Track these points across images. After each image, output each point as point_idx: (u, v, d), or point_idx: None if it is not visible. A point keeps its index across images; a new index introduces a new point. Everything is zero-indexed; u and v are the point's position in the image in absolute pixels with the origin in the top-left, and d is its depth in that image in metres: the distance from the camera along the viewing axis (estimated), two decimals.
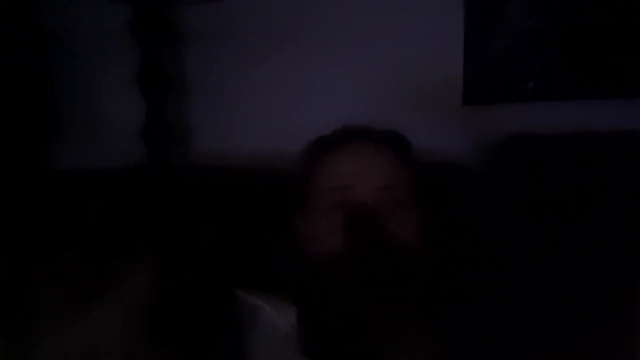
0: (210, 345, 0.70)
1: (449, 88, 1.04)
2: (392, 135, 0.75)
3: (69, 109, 1.07)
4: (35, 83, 1.04)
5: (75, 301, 0.51)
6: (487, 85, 1.04)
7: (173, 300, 0.76)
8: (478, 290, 0.80)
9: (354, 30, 1.02)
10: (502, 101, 1.05)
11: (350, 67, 1.03)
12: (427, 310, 0.71)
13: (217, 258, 0.83)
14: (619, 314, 0.77)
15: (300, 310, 0.68)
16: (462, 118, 1.04)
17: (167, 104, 1.01)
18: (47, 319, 0.51)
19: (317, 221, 0.69)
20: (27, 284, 0.82)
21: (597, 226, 0.84)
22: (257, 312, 0.68)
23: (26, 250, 0.84)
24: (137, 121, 1.00)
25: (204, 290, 0.79)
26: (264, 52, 1.04)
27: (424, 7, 1.01)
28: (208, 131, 1.07)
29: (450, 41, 1.03)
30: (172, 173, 0.99)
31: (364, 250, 0.64)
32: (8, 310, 0.81)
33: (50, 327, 0.50)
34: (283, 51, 1.03)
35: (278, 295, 0.70)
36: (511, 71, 1.03)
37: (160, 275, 0.55)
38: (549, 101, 1.04)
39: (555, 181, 0.89)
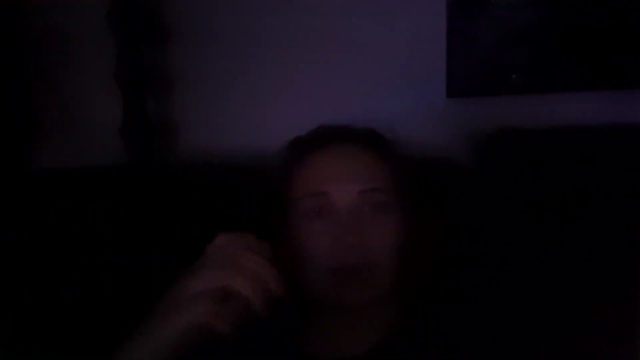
0: None
1: (433, 81, 1.02)
2: (370, 135, 0.73)
3: (47, 107, 1.05)
4: (11, 81, 1.02)
5: None
6: (471, 77, 1.02)
7: None
8: (470, 289, 0.80)
9: (337, 25, 1.00)
10: (487, 94, 1.03)
11: (334, 63, 1.01)
12: (420, 311, 0.70)
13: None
14: (618, 311, 0.75)
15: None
16: (447, 111, 1.03)
17: (147, 101, 1.00)
18: None
19: (296, 228, 0.66)
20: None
21: (588, 220, 0.83)
22: None
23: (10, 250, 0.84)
24: (117, 119, 0.99)
25: None
26: (247, 47, 1.02)
27: None
28: (190, 128, 1.05)
29: (434, 33, 1.01)
30: (153, 171, 0.98)
31: (345, 259, 0.62)
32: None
33: None
34: (267, 46, 1.02)
35: None
36: (495, 63, 1.02)
37: None
38: (534, 93, 1.03)
39: (544, 175, 0.88)
